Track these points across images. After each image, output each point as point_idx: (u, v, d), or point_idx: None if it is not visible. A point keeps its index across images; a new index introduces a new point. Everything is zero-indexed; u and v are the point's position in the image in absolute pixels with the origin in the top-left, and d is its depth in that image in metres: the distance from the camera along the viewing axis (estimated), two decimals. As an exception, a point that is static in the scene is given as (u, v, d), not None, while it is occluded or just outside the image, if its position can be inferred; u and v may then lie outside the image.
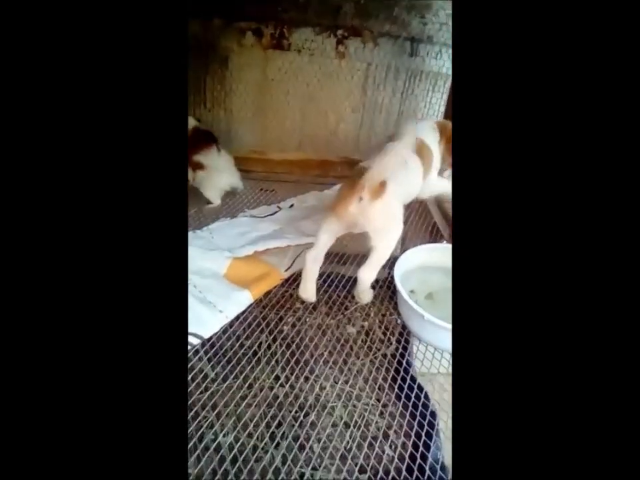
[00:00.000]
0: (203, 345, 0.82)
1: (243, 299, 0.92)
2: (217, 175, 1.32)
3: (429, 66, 1.47)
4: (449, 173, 1.18)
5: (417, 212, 1.40)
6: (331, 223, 0.95)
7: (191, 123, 1.32)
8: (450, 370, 0.83)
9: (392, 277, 0.93)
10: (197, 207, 1.32)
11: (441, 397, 0.77)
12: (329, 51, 1.42)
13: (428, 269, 1.02)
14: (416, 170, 1.06)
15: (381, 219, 0.92)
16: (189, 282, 0.93)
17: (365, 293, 0.99)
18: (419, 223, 1.36)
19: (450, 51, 1.42)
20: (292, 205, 1.33)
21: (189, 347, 0.80)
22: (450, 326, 0.77)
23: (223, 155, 1.34)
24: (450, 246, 1.08)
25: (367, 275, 0.95)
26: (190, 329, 0.81)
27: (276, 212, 1.28)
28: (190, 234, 1.11)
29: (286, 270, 1.03)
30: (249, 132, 1.52)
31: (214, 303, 0.90)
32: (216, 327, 0.86)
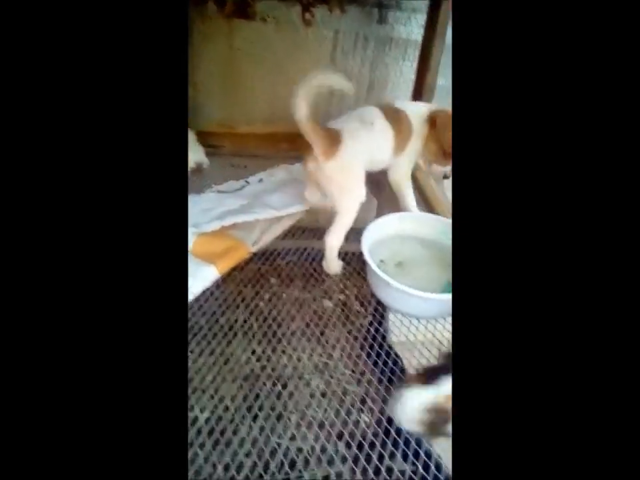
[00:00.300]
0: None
1: (208, 274, 0.90)
2: None
3: (398, 33, 1.44)
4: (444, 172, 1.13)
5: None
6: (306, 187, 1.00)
7: None
8: (424, 338, 0.84)
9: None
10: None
11: (409, 363, 0.78)
12: (295, 19, 1.37)
13: (399, 238, 1.01)
14: (384, 134, 1.01)
15: (337, 178, 0.92)
16: None
17: (332, 262, 0.98)
18: (392, 192, 1.36)
19: (419, 17, 1.38)
20: (261, 180, 1.29)
21: None
22: (416, 292, 0.76)
23: None
24: (421, 214, 1.08)
25: (332, 240, 0.95)
26: None
27: (244, 187, 1.25)
28: None
29: (254, 244, 1.01)
30: (216, 106, 1.47)
31: None
32: None
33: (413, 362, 0.78)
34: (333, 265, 0.98)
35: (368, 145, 0.97)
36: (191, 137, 1.31)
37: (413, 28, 1.43)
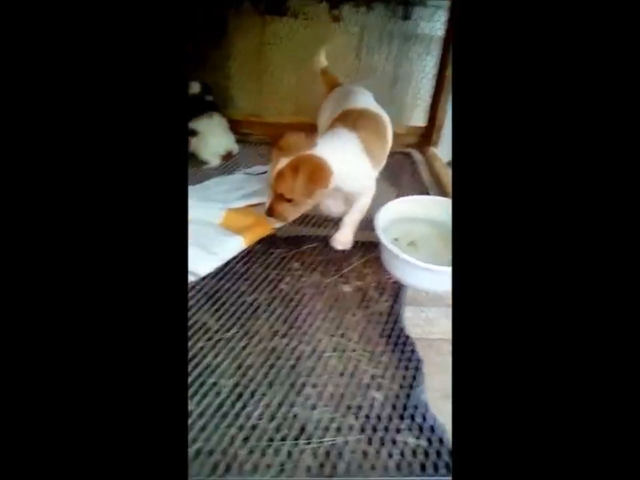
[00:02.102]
0: (207, 300, 0.85)
1: (236, 244, 0.95)
2: (211, 139, 1.33)
3: (422, 29, 1.43)
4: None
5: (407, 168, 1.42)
6: None
7: (196, 88, 1.34)
8: (446, 336, 0.84)
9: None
10: (195, 167, 1.33)
11: (431, 359, 0.79)
12: (323, 15, 1.39)
13: (412, 219, 1.03)
14: None
15: None
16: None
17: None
18: (409, 178, 1.38)
19: (442, 13, 1.37)
20: None
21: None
22: (425, 265, 0.79)
23: (216, 119, 1.35)
24: (430, 197, 1.09)
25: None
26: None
27: (265, 172, 1.29)
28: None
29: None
30: (247, 96, 1.51)
31: (209, 246, 0.93)
32: (211, 266, 0.90)
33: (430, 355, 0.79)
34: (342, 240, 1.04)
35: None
36: (224, 125, 1.36)
37: (436, 24, 1.42)
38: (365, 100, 1.04)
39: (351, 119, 0.94)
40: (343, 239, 1.00)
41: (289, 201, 0.86)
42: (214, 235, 0.97)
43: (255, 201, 1.08)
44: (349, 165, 0.88)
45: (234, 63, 1.44)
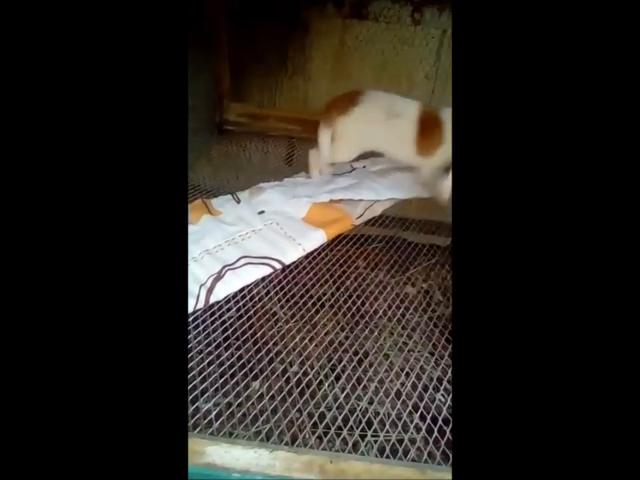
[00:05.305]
0: (276, 292, 0.90)
1: (318, 237, 1.01)
2: None
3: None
4: None
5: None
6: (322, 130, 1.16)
7: None
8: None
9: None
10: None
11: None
12: (404, 18, 1.39)
13: None
14: (397, 131, 1.15)
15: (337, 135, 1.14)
16: (272, 221, 1.05)
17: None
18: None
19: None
20: (364, 166, 1.37)
21: (272, 270, 0.92)
22: None
23: None
24: None
25: None
26: (274, 256, 0.94)
27: (351, 170, 1.33)
28: (275, 183, 1.22)
29: (357, 217, 1.11)
30: (323, 97, 1.54)
31: (293, 237, 1.00)
32: (295, 256, 0.97)
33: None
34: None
35: (377, 124, 1.19)
36: None
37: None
38: None
39: None
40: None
41: None
42: (298, 228, 1.04)
43: (339, 196, 1.14)
44: None
45: (313, 65, 1.49)
